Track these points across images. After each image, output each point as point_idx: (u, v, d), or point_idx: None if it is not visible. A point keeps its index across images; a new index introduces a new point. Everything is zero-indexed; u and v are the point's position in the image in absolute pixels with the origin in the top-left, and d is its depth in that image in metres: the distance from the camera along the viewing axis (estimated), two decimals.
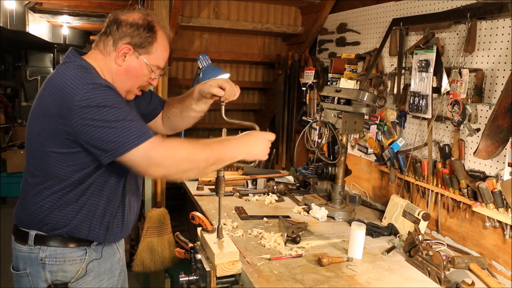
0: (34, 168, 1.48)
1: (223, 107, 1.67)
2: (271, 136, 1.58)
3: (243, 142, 1.53)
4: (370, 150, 2.66)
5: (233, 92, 1.65)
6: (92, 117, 1.32)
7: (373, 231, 2.06)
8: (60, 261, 1.49)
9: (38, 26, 5.88)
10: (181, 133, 3.04)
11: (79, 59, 1.48)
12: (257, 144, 1.54)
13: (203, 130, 4.27)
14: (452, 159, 2.00)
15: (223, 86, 1.64)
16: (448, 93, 2.05)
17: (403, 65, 2.41)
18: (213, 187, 2.70)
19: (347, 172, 2.49)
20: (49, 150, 1.41)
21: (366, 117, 2.51)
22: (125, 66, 1.50)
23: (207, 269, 1.59)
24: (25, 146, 1.52)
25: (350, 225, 1.86)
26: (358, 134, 2.71)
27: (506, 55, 1.83)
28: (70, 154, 1.40)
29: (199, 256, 1.66)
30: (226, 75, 2.97)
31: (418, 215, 2.05)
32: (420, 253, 1.73)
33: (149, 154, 1.33)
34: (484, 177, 1.89)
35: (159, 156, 1.35)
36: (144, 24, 1.49)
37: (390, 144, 2.43)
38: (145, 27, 1.48)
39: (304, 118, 3.39)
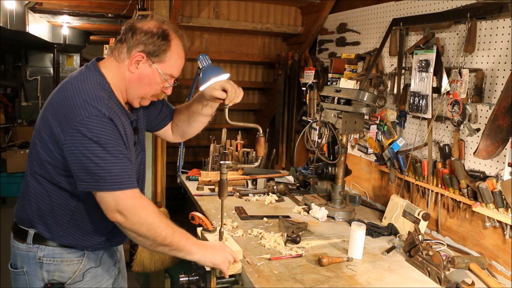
0: (35, 167, 1.48)
1: (226, 110, 1.65)
2: (234, 256, 1.57)
3: (204, 246, 1.52)
4: (370, 150, 2.65)
5: (236, 94, 1.63)
6: (82, 145, 1.33)
7: (373, 231, 2.06)
8: (57, 261, 1.50)
9: (38, 26, 5.87)
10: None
11: (98, 73, 1.47)
12: (217, 253, 1.52)
13: (203, 130, 4.26)
14: (452, 159, 2.00)
15: (225, 88, 1.62)
16: (448, 93, 2.04)
17: (403, 65, 2.41)
18: (213, 187, 2.71)
19: (347, 172, 2.49)
20: (47, 152, 1.42)
21: (366, 117, 2.51)
22: (138, 74, 1.50)
23: (207, 269, 1.59)
24: (30, 144, 1.53)
25: (350, 225, 1.86)
26: (358, 134, 2.71)
27: (506, 55, 1.83)
28: (62, 158, 1.40)
29: None
30: (226, 75, 2.97)
31: (418, 215, 2.05)
32: (420, 253, 1.73)
33: (120, 203, 1.35)
34: (484, 177, 1.89)
35: (127, 208, 1.36)
36: (158, 32, 1.48)
37: (390, 144, 2.43)
38: (159, 35, 1.47)
39: (304, 118, 3.39)
